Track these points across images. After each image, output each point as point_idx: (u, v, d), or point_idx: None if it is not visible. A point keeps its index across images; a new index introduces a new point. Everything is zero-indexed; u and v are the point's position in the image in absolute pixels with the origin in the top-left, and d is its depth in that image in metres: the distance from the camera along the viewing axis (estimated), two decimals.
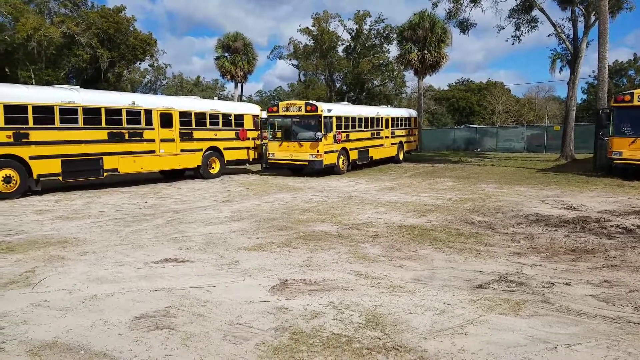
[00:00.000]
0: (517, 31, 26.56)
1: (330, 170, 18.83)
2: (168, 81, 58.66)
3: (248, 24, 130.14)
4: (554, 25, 24.73)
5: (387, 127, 23.11)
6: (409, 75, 47.26)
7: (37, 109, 12.63)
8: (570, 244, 7.15)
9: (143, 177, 17.32)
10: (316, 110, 17.56)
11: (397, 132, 24.37)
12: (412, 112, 28.28)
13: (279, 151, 18.47)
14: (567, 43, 24.52)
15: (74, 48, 29.54)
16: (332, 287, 5.12)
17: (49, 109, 12.87)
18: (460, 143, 35.65)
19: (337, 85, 46.31)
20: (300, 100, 18.73)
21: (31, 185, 12.67)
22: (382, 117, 22.74)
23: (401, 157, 24.93)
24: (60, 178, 13.31)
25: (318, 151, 17.40)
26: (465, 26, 27.37)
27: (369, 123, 21.40)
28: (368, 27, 43.21)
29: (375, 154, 21.95)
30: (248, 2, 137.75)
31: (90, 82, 31.06)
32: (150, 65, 44.90)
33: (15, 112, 12.16)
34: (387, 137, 23.18)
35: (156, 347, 3.73)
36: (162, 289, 5.13)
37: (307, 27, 42.30)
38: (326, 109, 17.93)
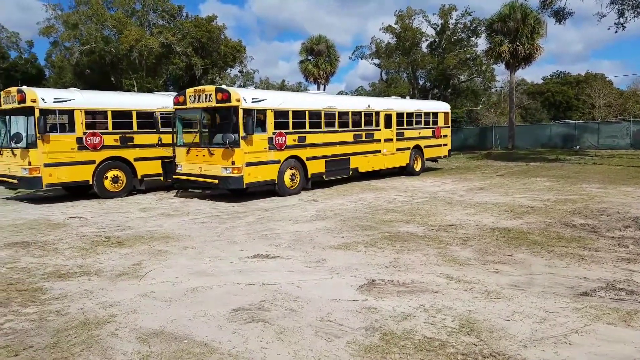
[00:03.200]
0: (620, 18, 24.17)
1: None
2: (256, 86, 61.02)
3: (332, 25, 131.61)
4: None
5: (388, 127, 16.88)
6: (499, 69, 45.01)
7: (140, 114, 13.74)
8: None
9: None
10: (229, 99, 11.73)
11: (409, 133, 17.97)
12: (440, 106, 21.15)
13: (186, 162, 12.82)
14: None
15: (171, 57, 31.76)
16: (422, 290, 5.01)
17: (151, 115, 13.93)
18: (557, 140, 33.27)
19: (421, 82, 45.33)
20: (210, 85, 12.53)
21: (136, 185, 13.80)
22: (377, 112, 16.38)
23: (417, 167, 18.48)
24: (162, 178, 14.36)
25: (234, 163, 11.69)
26: (561, 15, 25.44)
27: (350, 120, 15.36)
28: (454, 21, 41.70)
29: (364, 164, 15.84)
30: (333, 3, 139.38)
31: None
32: (239, 71, 46.96)
33: (121, 118, 13.33)
34: (388, 141, 16.84)
35: (253, 340, 3.89)
36: (256, 284, 5.34)
37: (389, 25, 41.79)
38: (249, 97, 12.14)
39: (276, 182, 12.87)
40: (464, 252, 6.60)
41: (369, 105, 16.24)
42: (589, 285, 5.10)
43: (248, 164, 11.97)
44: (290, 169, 13.30)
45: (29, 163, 11.94)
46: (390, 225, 8.55)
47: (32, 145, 11.95)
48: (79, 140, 12.48)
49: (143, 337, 4.00)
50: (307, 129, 13.83)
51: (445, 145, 20.59)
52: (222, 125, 12.97)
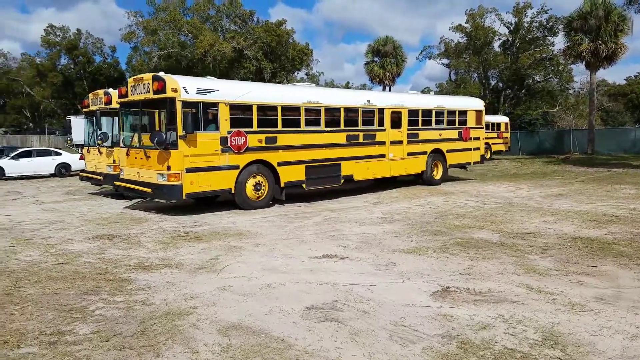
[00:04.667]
0: None
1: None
2: None
3: (400, 26, 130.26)
4: None
5: (396, 126, 14.35)
6: (577, 69, 42.55)
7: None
8: None
9: None
10: (164, 89, 9.80)
11: (425, 135, 15.18)
12: (471, 102, 17.89)
13: (127, 165, 11.30)
14: None
15: (242, 61, 32.85)
16: (500, 299, 4.83)
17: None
18: None
19: (492, 82, 43.73)
20: (148, 74, 10.72)
21: None
22: (380, 109, 13.84)
23: (437, 174, 15.78)
24: None
25: (169, 168, 9.82)
26: None
27: (342, 118, 12.87)
28: (529, 20, 40.00)
29: (362, 171, 13.43)
30: (402, 4, 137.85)
31: None
32: (306, 74, 47.72)
33: None
34: (396, 143, 14.31)
35: (327, 339, 3.93)
36: (327, 283, 5.40)
37: (460, 25, 40.78)
38: (192, 87, 10.06)
39: (233, 192, 10.75)
40: (543, 261, 6.28)
41: (368, 101, 13.64)
42: None
43: (190, 170, 9.95)
44: (255, 176, 11.08)
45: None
46: (462, 231, 8.31)
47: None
48: None
49: (223, 329, 4.16)
50: (280, 128, 11.47)
51: (476, 149, 17.20)
52: (161, 121, 11.04)
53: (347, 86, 68.97)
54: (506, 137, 31.38)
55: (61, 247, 7.50)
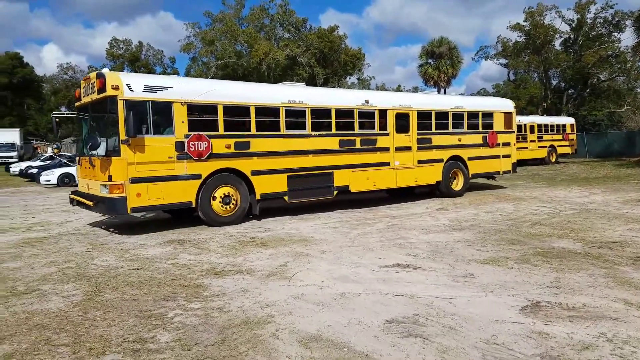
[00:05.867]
0: None
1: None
2: None
3: (453, 26, 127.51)
4: None
5: (403, 130, 12.66)
6: None
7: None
8: None
9: None
10: (104, 87, 8.64)
11: (440, 140, 13.43)
12: (497, 103, 15.97)
13: (81, 176, 10.39)
14: None
15: (295, 68, 33.17)
16: (598, 316, 4.43)
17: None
18: None
19: (554, 82, 41.78)
20: (94, 72, 9.43)
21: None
22: (381, 111, 12.30)
23: (458, 185, 13.92)
24: None
25: (111, 178, 8.62)
26: None
27: (333, 121, 11.40)
28: (592, 16, 37.98)
29: (359, 181, 11.88)
30: (454, 4, 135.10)
31: None
32: (357, 79, 47.55)
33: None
34: (402, 149, 12.63)
35: (414, 356, 3.72)
36: (404, 295, 5.17)
37: (518, 23, 39.32)
38: (138, 84, 8.85)
39: (194, 205, 9.44)
40: (637, 273, 5.76)
41: (366, 101, 12.04)
42: None
43: (136, 180, 8.70)
44: (224, 186, 9.82)
45: None
46: (540, 239, 7.82)
47: None
48: None
49: (303, 340, 4.04)
50: (253, 132, 10.14)
51: (506, 156, 15.03)
52: (102, 125, 9.68)
53: (398, 89, 68.04)
54: (572, 139, 29.80)
55: (135, 252, 7.70)
